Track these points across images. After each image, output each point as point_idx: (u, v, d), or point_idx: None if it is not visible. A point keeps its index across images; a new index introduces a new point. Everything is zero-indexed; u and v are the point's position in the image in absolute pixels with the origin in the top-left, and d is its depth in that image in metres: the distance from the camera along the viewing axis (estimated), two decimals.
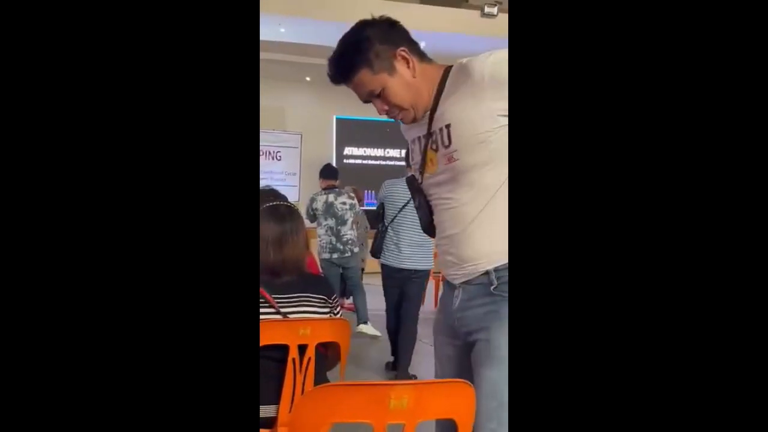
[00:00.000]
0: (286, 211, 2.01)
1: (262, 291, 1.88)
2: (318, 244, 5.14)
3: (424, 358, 4.14)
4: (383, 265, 3.84)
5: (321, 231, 5.12)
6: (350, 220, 4.90)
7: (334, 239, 4.93)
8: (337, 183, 5.12)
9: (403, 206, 3.72)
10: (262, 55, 9.16)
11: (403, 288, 3.84)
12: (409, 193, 3.89)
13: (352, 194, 5.15)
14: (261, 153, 9.91)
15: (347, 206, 4.89)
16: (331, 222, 4.90)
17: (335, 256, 4.99)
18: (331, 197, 4.89)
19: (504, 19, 8.74)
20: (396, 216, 3.76)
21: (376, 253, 3.87)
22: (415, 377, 3.88)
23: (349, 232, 4.89)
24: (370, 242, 4.25)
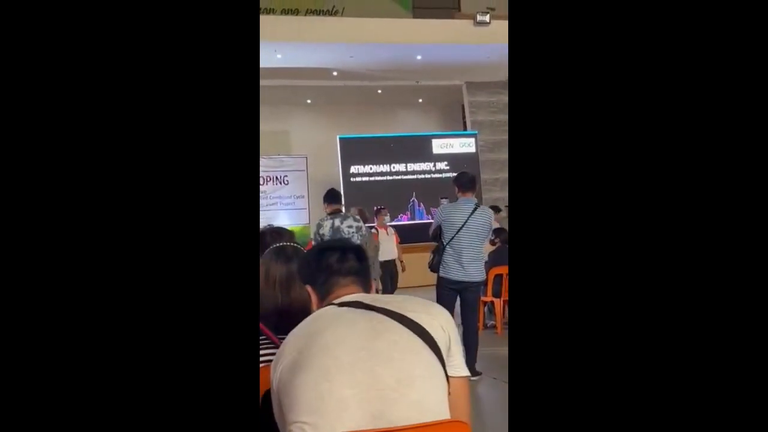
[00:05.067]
0: (292, 252, 2.00)
1: (268, 332, 1.85)
2: None
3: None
4: (442, 278, 4.32)
5: None
6: (358, 243, 4.92)
7: None
8: (342, 207, 5.15)
9: (460, 228, 4.20)
10: (262, 82, 9.24)
11: (462, 297, 4.34)
12: (464, 216, 4.17)
13: (358, 216, 5.18)
14: (268, 179, 9.96)
15: (354, 229, 4.91)
16: None
17: None
18: (337, 221, 4.91)
19: (497, 25, 8.78)
20: (454, 236, 4.21)
21: (434, 268, 4.36)
22: (480, 373, 4.34)
23: None
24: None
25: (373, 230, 6.70)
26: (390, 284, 6.66)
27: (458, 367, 1.17)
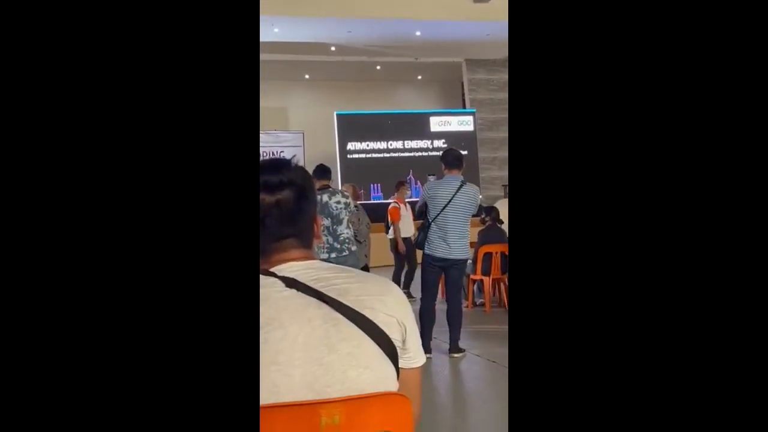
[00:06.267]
0: None
1: None
2: (316, 245, 5.15)
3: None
4: (427, 255, 4.38)
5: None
6: (345, 218, 4.96)
7: (331, 239, 4.97)
8: (330, 182, 5.17)
9: (445, 205, 4.25)
10: (260, 57, 9.16)
11: (446, 274, 4.42)
12: (450, 193, 4.20)
13: (347, 193, 5.22)
14: (264, 154, 9.93)
15: (342, 205, 4.94)
16: (327, 222, 4.95)
17: (333, 255, 5.02)
18: (325, 197, 4.94)
19: (497, 2, 8.70)
20: (439, 214, 4.27)
21: (420, 245, 4.45)
22: (464, 351, 4.42)
23: (345, 231, 4.94)
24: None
25: (393, 204, 6.75)
26: (408, 263, 6.69)
27: (413, 358, 1.13)
